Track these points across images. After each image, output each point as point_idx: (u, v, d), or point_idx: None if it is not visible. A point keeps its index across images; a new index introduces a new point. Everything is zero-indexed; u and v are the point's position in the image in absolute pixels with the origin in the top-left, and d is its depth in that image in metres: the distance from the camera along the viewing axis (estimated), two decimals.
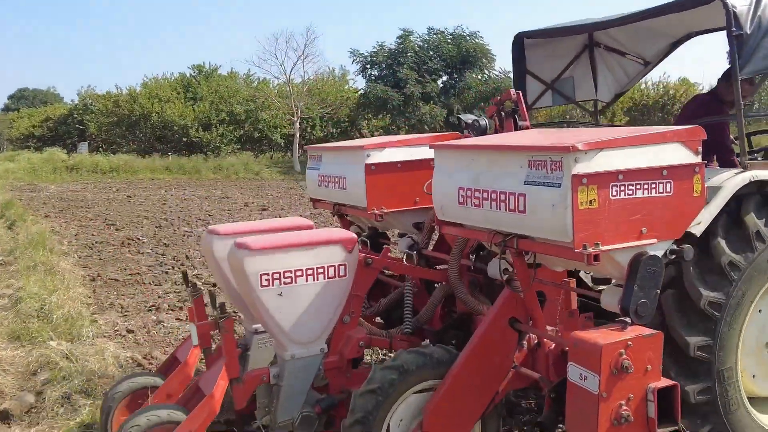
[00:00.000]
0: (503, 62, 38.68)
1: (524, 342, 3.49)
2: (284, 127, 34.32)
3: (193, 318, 3.92)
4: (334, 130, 34.85)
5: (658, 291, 3.03)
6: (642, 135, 3.00)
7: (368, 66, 33.88)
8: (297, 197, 19.74)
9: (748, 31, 3.83)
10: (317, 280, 3.52)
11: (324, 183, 4.81)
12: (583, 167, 2.82)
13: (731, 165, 4.61)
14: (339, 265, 3.57)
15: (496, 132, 4.49)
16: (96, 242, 12.07)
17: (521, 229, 3.08)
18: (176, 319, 7.29)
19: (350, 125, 34.61)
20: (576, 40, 5.67)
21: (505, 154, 3.16)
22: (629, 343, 2.87)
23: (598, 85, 5.85)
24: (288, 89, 33.15)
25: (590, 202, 2.85)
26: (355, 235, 3.68)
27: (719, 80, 5.23)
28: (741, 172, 3.93)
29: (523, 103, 4.48)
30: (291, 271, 3.44)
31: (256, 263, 3.35)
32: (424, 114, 31.21)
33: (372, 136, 34.04)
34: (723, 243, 3.69)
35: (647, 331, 2.97)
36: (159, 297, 8.24)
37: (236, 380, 3.47)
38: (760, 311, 3.97)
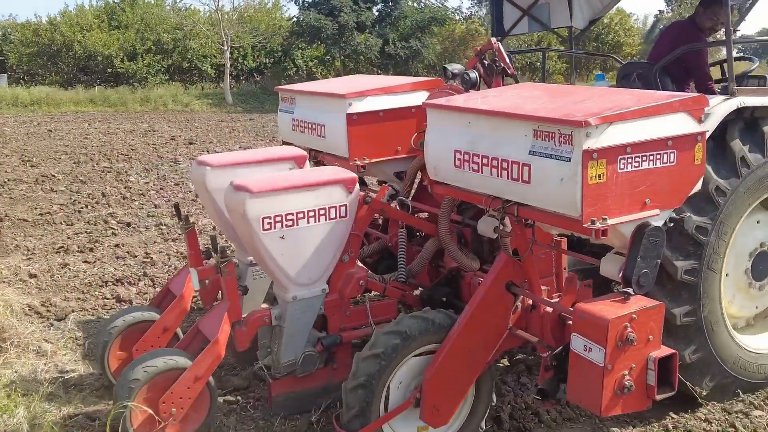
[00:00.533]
0: None
1: (518, 304, 3.52)
2: (214, 56, 33.16)
3: (190, 253, 4.02)
4: (267, 60, 33.86)
5: (659, 261, 3.06)
6: (651, 106, 2.93)
7: None
8: (228, 131, 19.19)
9: None
10: (319, 221, 3.53)
11: (299, 128, 4.73)
12: (593, 142, 2.75)
13: (710, 91, 4.69)
14: (340, 206, 3.59)
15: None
16: (8, 180, 11.51)
17: (524, 198, 3.05)
18: (84, 262, 7.00)
19: (283, 55, 33.66)
20: None
21: (508, 121, 3.04)
22: (634, 315, 2.89)
23: (573, 12, 5.89)
24: (218, 17, 31.91)
25: (599, 176, 2.80)
26: (355, 175, 3.68)
27: (698, 8, 5.24)
28: (728, 98, 4.02)
29: (505, 55, 4.43)
30: (293, 213, 3.43)
31: (257, 206, 3.32)
32: (359, 44, 30.57)
33: (306, 66, 33.26)
34: (710, 169, 3.77)
35: (650, 302, 2.99)
36: (68, 238, 7.92)
37: (238, 323, 3.52)
38: (740, 236, 4.16)
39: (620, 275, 3.03)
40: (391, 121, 4.42)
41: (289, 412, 3.79)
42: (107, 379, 4.04)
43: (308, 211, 3.50)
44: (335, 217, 3.58)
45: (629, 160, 2.88)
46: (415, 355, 3.41)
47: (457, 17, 36.27)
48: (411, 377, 3.42)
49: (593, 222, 2.83)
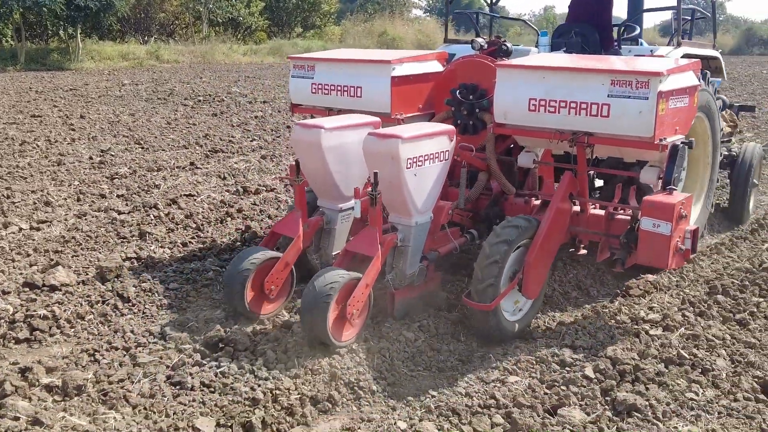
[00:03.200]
0: None
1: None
2: None
3: (297, 201, 4.69)
4: None
5: (683, 169, 4.46)
6: (683, 65, 4.34)
7: None
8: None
9: None
10: (433, 162, 4.39)
11: (322, 91, 5.46)
12: (663, 86, 4.01)
13: (611, 43, 6.05)
14: (445, 151, 4.47)
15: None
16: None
17: (603, 129, 4.15)
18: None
19: None
20: None
21: (585, 74, 4.21)
22: (683, 201, 4.16)
23: None
24: None
25: (662, 110, 4.04)
26: (453, 128, 4.56)
27: None
28: (676, 47, 5.66)
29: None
30: (422, 156, 4.29)
31: (406, 150, 4.14)
32: None
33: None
34: None
35: (685, 194, 4.27)
36: None
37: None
38: None
39: (659, 180, 4.33)
40: (417, 83, 5.37)
41: (404, 314, 4.54)
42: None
43: (429, 154, 4.34)
44: (442, 160, 4.46)
45: (674, 100, 4.15)
46: (514, 251, 4.34)
47: None
48: (511, 266, 4.35)
49: (661, 140, 4.07)
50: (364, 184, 4.72)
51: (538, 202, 5.01)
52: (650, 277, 5.26)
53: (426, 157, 4.30)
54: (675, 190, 4.27)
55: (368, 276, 4.17)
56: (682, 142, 4.29)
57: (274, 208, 7.03)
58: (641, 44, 6.37)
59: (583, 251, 4.87)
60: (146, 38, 29.87)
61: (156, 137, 10.80)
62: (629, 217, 4.59)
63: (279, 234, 4.78)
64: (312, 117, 5.64)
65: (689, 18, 6.17)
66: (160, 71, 22.82)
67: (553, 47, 6.13)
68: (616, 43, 6.03)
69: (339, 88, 5.37)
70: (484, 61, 5.36)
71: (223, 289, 4.74)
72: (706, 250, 6.07)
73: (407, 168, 4.17)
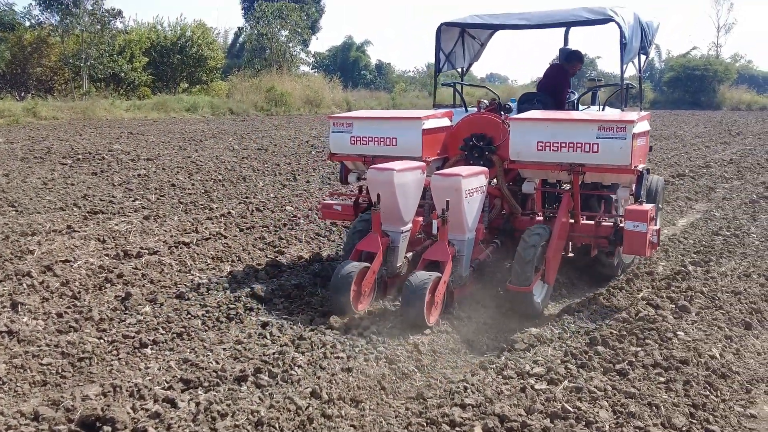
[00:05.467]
0: None
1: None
2: None
3: (376, 225, 6.06)
4: None
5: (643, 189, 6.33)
6: (644, 116, 6.31)
7: None
8: None
9: (627, 41, 7.30)
10: (478, 194, 6.08)
11: (360, 142, 6.95)
12: (634, 130, 5.82)
13: (564, 107, 8.13)
14: (483, 186, 6.19)
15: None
16: None
17: (594, 161, 5.92)
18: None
19: None
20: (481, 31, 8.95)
21: (579, 123, 6.09)
22: (651, 208, 6.15)
23: (465, 57, 9.05)
24: None
25: (634, 146, 5.84)
26: (487, 168, 6.36)
27: (565, 59, 8.61)
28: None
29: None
30: (473, 189, 5.96)
31: (464, 184, 5.79)
32: None
33: None
34: None
35: (651, 205, 6.30)
36: None
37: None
38: None
39: (630, 195, 6.29)
40: (436, 134, 7.00)
41: (457, 306, 5.97)
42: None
43: (477, 187, 6.07)
44: (482, 192, 6.19)
45: (640, 139, 6.10)
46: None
47: (28, 23, 32.00)
48: (538, 261, 6.07)
49: (635, 167, 5.92)
50: (415, 212, 6.35)
51: (540, 218, 6.68)
52: (533, 330, 5.43)
53: (474, 190, 6.01)
54: (644, 202, 6.29)
55: (445, 275, 5.70)
56: (644, 169, 6.31)
57: (157, 271, 6.79)
58: (577, 108, 8.33)
59: (570, 254, 6.66)
60: (23, 94, 28.58)
61: (31, 199, 10.25)
62: (612, 223, 6.48)
63: (361, 250, 6.08)
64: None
65: (620, 89, 7.77)
66: (37, 128, 21.83)
67: (520, 111, 7.53)
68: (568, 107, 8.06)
69: (374, 139, 6.88)
70: (490, 116, 7.08)
71: (331, 292, 5.78)
72: (585, 301, 6.32)
73: (464, 198, 5.81)
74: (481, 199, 6.14)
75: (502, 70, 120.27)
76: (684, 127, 29.90)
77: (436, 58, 8.62)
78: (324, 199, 7.73)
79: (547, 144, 6.07)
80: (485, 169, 6.31)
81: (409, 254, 6.30)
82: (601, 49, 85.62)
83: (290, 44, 43.09)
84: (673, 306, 5.92)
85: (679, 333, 5.25)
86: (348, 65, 58.81)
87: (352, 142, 7.00)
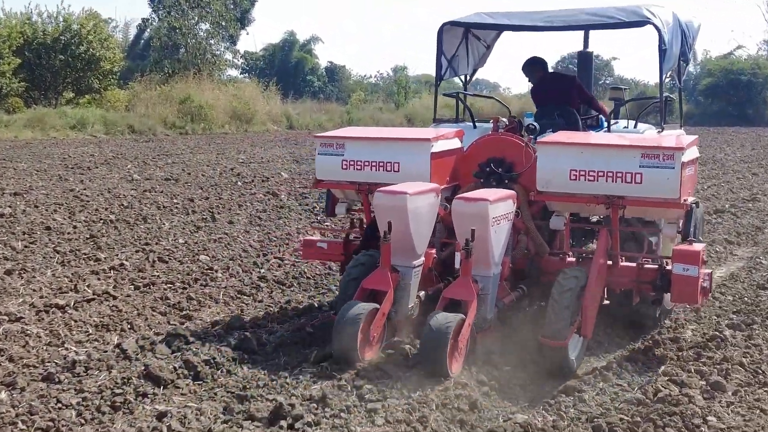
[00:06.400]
0: None
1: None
2: None
3: (385, 259, 6.61)
4: None
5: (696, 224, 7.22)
6: (692, 140, 7.02)
7: None
8: None
9: (667, 46, 8.03)
10: (506, 221, 6.63)
11: (354, 167, 7.51)
12: (684, 158, 6.45)
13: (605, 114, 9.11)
14: (511, 212, 6.74)
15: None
16: None
17: (636, 193, 6.52)
18: None
19: None
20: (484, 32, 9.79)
21: (620, 149, 6.74)
22: (703, 249, 6.82)
23: (468, 63, 9.85)
24: None
25: (683, 176, 6.43)
26: (515, 192, 6.94)
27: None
28: (661, 130, 8.43)
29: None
30: (500, 216, 6.49)
31: (491, 211, 6.32)
32: None
33: None
34: None
35: (703, 243, 7.16)
36: None
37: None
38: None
39: (679, 233, 7.05)
40: (446, 158, 7.57)
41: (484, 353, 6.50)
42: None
43: (505, 215, 6.58)
44: (510, 220, 6.71)
45: (689, 168, 6.72)
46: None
47: None
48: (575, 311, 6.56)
49: (684, 200, 6.53)
50: (427, 243, 6.92)
51: (572, 259, 7.17)
52: (519, 417, 5.48)
53: (502, 217, 6.51)
54: (695, 241, 6.88)
55: (469, 317, 6.19)
56: (693, 203, 6.98)
57: (19, 345, 6.69)
58: (602, 123, 9.04)
59: (606, 301, 7.14)
60: None
61: None
62: (657, 266, 7.01)
63: (368, 289, 6.59)
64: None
65: (660, 102, 8.48)
66: None
67: (541, 127, 8.08)
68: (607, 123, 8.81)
69: (371, 163, 7.42)
70: (511, 138, 7.68)
71: (334, 337, 6.29)
72: (589, 378, 6.39)
73: (491, 226, 6.31)
74: (508, 228, 6.70)
75: (491, 76, 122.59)
76: (726, 149, 30.70)
77: (437, 63, 9.25)
78: (306, 234, 8.41)
79: (582, 173, 6.64)
80: (514, 192, 6.87)
81: (422, 293, 6.83)
82: (614, 48, 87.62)
83: (212, 41, 43.37)
84: (704, 383, 5.99)
85: (710, 419, 5.31)
86: (289, 69, 59.35)
87: (344, 166, 7.54)
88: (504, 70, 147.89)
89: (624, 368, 6.62)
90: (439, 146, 7.42)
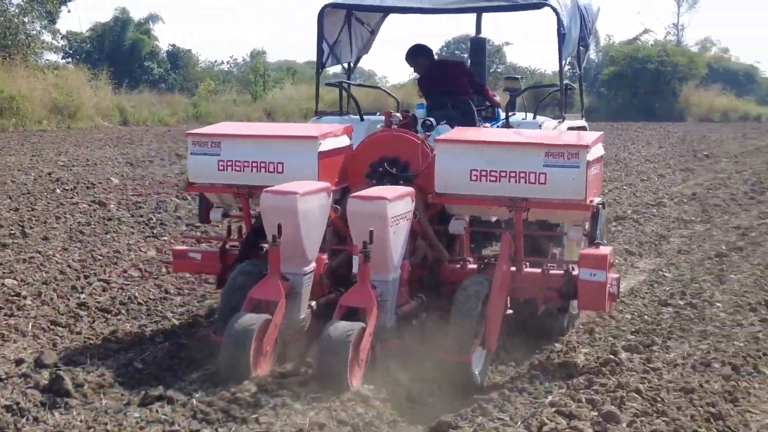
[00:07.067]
0: None
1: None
2: None
3: (274, 266, 6.89)
4: None
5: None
6: (597, 138, 7.65)
7: None
8: None
9: (566, 31, 8.74)
10: (405, 221, 7.11)
11: (233, 168, 7.88)
12: (589, 156, 7.07)
13: (496, 103, 10.14)
14: (410, 212, 7.21)
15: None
16: None
17: (541, 194, 7.11)
18: None
19: None
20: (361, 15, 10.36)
21: (522, 147, 7.37)
22: (610, 252, 7.40)
23: (352, 50, 10.46)
24: None
25: (588, 175, 7.06)
26: (413, 189, 7.37)
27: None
28: (561, 121, 9.25)
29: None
30: (399, 216, 6.95)
31: (390, 209, 6.76)
32: None
33: None
34: None
35: (609, 247, 7.80)
36: None
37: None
38: None
39: (585, 236, 7.54)
40: (332, 157, 7.93)
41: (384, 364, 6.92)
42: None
43: (404, 214, 7.06)
44: (409, 219, 7.20)
45: (595, 167, 7.36)
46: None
47: None
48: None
49: (591, 201, 7.16)
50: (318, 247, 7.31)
51: (474, 266, 7.60)
52: None
53: (401, 216, 6.96)
54: (602, 244, 7.44)
55: (370, 326, 6.61)
56: (600, 203, 7.52)
57: None
58: (498, 115, 9.89)
59: (509, 311, 7.43)
60: None
61: None
62: (563, 272, 7.41)
63: (256, 299, 6.88)
64: None
65: (560, 91, 9.23)
66: None
67: (435, 119, 8.68)
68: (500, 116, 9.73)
69: (252, 164, 7.82)
70: (406, 135, 8.15)
71: (223, 353, 6.62)
72: (466, 412, 6.48)
73: (390, 226, 6.74)
74: (407, 228, 7.18)
75: (367, 64, 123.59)
76: (630, 147, 31.81)
77: (318, 50, 9.73)
78: (177, 244, 8.75)
79: (484, 173, 7.19)
80: (412, 190, 7.32)
81: (313, 303, 7.18)
82: (507, 33, 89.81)
83: (26, 19, 42.18)
84: (595, 413, 6.15)
85: None
86: (122, 53, 58.34)
87: (221, 167, 7.91)
88: (382, 58, 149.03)
89: (507, 399, 6.76)
90: (327, 144, 7.80)
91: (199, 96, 47.80)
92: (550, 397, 6.74)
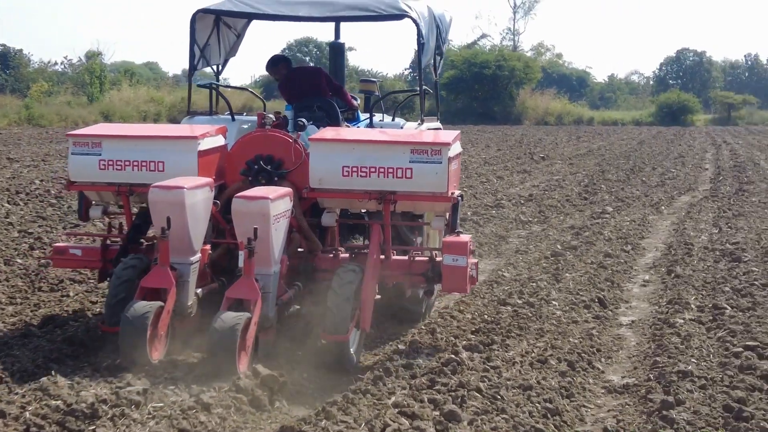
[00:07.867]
0: None
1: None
2: None
3: (164, 256, 7.51)
4: None
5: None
6: (456, 136, 8.65)
7: None
8: None
9: (425, 40, 9.45)
10: (284, 219, 7.86)
11: (113, 167, 8.33)
12: (450, 153, 8.08)
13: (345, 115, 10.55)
14: (288, 210, 7.98)
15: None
16: None
17: (407, 188, 8.04)
18: None
19: None
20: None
21: (389, 145, 8.28)
22: (470, 240, 8.53)
23: (220, 53, 10.90)
24: None
25: (450, 170, 8.05)
26: (291, 189, 8.10)
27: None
28: (421, 123, 10.11)
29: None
30: (280, 214, 7.68)
31: (272, 208, 7.48)
32: None
33: None
34: None
35: (468, 235, 8.93)
36: None
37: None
38: None
39: (446, 225, 8.47)
40: (210, 156, 8.51)
41: (266, 352, 7.73)
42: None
43: (284, 212, 7.82)
44: (287, 217, 7.95)
45: (454, 163, 8.46)
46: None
47: None
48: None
49: (452, 194, 8.17)
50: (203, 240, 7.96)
51: (345, 255, 8.43)
52: None
53: (281, 215, 7.71)
54: (462, 232, 8.34)
55: (254, 316, 7.34)
56: (459, 196, 8.51)
57: None
58: (358, 117, 10.64)
59: (377, 296, 8.26)
60: None
61: None
62: (428, 258, 8.41)
63: (147, 288, 7.48)
64: None
65: (420, 96, 10.06)
66: None
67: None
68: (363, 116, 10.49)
69: (132, 163, 8.28)
70: (280, 135, 8.76)
71: (121, 338, 7.16)
72: (310, 417, 6.45)
73: (272, 224, 7.47)
74: (286, 225, 7.94)
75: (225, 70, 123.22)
76: (470, 150, 32.42)
77: (190, 53, 10.17)
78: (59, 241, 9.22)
79: (355, 169, 8.05)
80: (290, 190, 8.09)
81: (200, 290, 7.85)
82: (351, 39, 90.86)
83: None
84: (437, 413, 6.31)
85: None
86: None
87: (102, 166, 8.36)
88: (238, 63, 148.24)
89: (350, 401, 6.77)
90: (205, 144, 8.39)
91: (32, 98, 46.51)
92: (393, 398, 6.79)
